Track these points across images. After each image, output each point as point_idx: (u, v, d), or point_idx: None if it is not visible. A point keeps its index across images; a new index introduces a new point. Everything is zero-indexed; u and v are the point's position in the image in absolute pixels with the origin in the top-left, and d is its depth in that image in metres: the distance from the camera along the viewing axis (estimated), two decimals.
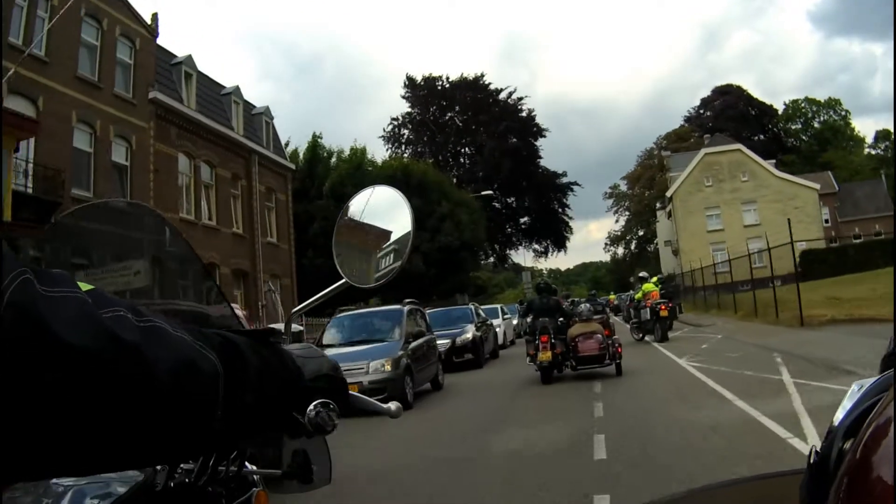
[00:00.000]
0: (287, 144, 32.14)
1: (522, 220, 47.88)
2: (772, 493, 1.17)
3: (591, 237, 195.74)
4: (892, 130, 42.22)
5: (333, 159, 30.57)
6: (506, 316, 22.81)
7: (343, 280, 1.13)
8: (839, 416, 0.73)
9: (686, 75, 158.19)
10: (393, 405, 1.03)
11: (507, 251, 47.79)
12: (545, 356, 10.93)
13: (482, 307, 21.19)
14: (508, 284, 60.12)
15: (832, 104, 76.85)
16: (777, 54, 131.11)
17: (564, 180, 47.23)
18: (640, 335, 18.09)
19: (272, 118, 28.50)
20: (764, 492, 1.22)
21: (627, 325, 29.92)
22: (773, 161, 53.38)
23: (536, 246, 49.01)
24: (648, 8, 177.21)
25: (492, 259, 47.56)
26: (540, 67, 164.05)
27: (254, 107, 28.03)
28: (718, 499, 1.29)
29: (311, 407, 0.79)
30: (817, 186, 50.56)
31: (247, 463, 1.12)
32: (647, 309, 17.25)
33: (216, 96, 25.41)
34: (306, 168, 29.89)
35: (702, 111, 73.61)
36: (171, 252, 1.43)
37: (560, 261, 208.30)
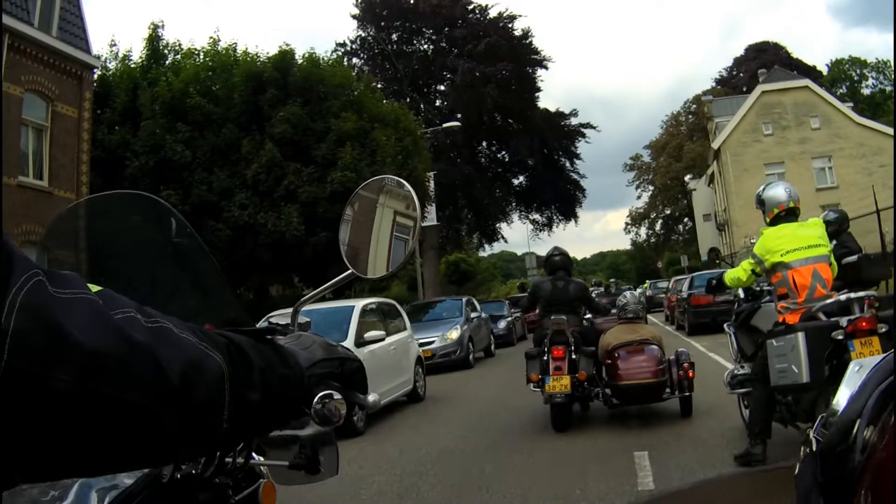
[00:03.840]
0: (115, 44, 20.40)
1: (517, 182, 34.55)
2: (764, 487, 1.13)
3: (610, 227, 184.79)
4: (893, 127, 33.91)
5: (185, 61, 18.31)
6: (394, 325, 9.99)
7: (349, 271, 1.14)
8: (841, 400, 0.66)
9: (706, 63, 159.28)
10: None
11: (497, 224, 34.12)
12: (560, 384, 6.36)
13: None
14: (521, 273, 48.05)
15: (881, 67, 64.84)
16: (796, 44, 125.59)
17: (574, 122, 32.48)
18: (756, 443, 4.43)
19: None
20: (758, 486, 1.19)
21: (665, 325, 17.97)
22: (851, 105, 40.99)
23: (537, 216, 35.20)
24: None
25: (474, 236, 34.64)
26: (560, 56, 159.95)
27: None
28: (716, 492, 1.27)
29: (317, 399, 0.80)
30: None
31: (253, 454, 1.12)
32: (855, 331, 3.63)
33: None
34: (142, 76, 17.89)
35: (734, 72, 61.86)
36: (178, 244, 1.37)
37: (574, 247, 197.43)
